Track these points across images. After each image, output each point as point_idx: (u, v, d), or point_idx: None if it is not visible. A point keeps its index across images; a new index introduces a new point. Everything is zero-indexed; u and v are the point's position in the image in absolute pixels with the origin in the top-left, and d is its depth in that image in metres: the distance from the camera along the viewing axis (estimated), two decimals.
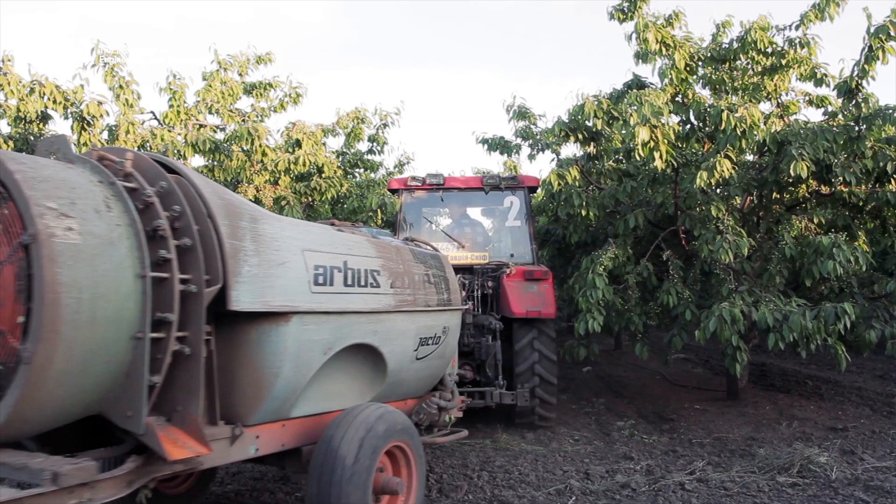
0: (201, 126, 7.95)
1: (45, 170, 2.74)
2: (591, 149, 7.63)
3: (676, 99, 6.86)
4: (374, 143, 9.64)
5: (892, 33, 5.94)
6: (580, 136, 7.44)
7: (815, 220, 7.06)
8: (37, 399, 2.52)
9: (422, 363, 4.41)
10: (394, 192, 7.71)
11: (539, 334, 6.45)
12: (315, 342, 3.46)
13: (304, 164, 7.67)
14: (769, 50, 6.98)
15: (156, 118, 8.14)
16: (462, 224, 7.68)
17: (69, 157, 3.03)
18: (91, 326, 2.61)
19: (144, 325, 2.77)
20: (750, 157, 7.53)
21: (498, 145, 8.71)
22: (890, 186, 6.58)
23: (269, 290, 3.23)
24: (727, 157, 6.17)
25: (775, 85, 7.24)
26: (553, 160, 7.95)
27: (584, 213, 7.21)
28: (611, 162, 7.66)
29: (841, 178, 6.41)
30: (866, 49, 6.13)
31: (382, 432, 3.50)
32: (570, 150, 8.25)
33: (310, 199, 8.18)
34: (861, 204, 6.84)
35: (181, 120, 8.05)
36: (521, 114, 8.27)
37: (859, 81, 6.29)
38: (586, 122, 7.21)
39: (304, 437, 3.67)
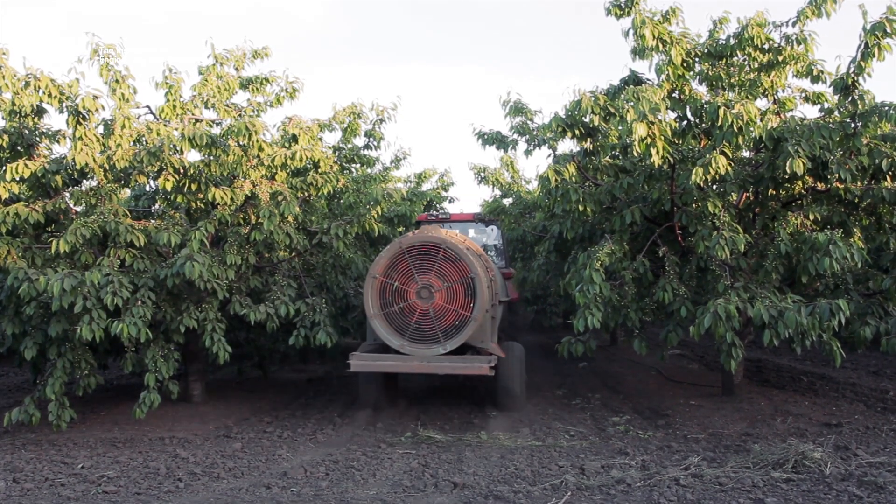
0: (197, 121, 7.90)
1: (459, 243, 7.19)
2: (588, 145, 7.61)
3: (673, 95, 6.85)
4: (371, 139, 9.61)
5: (889, 30, 5.92)
6: (577, 132, 7.42)
7: (811, 217, 7.07)
8: (470, 335, 6.97)
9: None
10: (418, 223, 10.77)
11: (508, 308, 9.63)
12: (502, 314, 7.87)
13: (301, 160, 7.62)
14: (766, 46, 6.97)
15: (151, 113, 8.09)
16: None
17: (436, 230, 7.34)
18: (486, 306, 6.97)
19: (490, 305, 7.09)
20: (746, 154, 7.54)
21: (494, 140, 8.70)
22: (885, 183, 6.59)
23: (502, 290, 7.79)
24: (723, 153, 6.17)
25: (772, 81, 7.23)
26: (549, 156, 7.94)
27: (580, 208, 7.21)
28: (607, 158, 7.65)
29: (837, 175, 6.42)
30: (862, 46, 6.11)
31: (523, 354, 7.70)
32: (567, 145, 8.26)
33: (306, 194, 8.15)
34: (856, 201, 6.85)
35: (177, 115, 8.01)
36: (518, 109, 8.26)
37: (855, 78, 6.28)
38: (583, 118, 7.19)
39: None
